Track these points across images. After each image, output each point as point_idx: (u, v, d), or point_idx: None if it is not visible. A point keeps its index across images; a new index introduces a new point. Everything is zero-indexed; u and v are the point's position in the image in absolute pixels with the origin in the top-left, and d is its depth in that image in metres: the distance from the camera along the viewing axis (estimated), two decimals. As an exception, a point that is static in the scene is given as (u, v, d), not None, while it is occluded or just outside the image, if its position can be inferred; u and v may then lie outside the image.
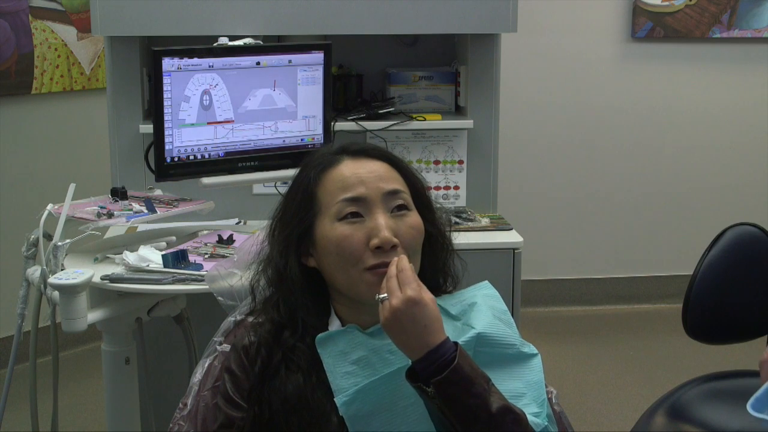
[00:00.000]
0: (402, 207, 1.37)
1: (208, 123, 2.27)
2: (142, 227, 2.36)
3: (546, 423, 1.33)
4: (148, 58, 2.52)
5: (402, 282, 1.25)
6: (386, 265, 1.30)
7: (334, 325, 1.39)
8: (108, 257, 2.16)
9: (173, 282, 2.01)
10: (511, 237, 2.57)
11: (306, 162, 1.44)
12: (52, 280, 1.93)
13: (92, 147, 3.62)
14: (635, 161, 4.30)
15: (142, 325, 2.26)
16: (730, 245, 2.21)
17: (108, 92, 2.68)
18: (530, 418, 1.30)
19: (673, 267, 4.34)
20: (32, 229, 2.12)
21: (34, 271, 2.07)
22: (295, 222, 1.39)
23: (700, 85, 4.27)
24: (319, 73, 2.39)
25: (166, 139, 2.21)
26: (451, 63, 2.94)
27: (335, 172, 1.38)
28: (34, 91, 3.57)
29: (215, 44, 2.31)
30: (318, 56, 2.38)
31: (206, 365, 1.45)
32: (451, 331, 1.32)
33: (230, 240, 2.26)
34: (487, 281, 1.50)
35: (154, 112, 2.20)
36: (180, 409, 1.44)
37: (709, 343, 2.32)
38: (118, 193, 2.28)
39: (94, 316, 2.02)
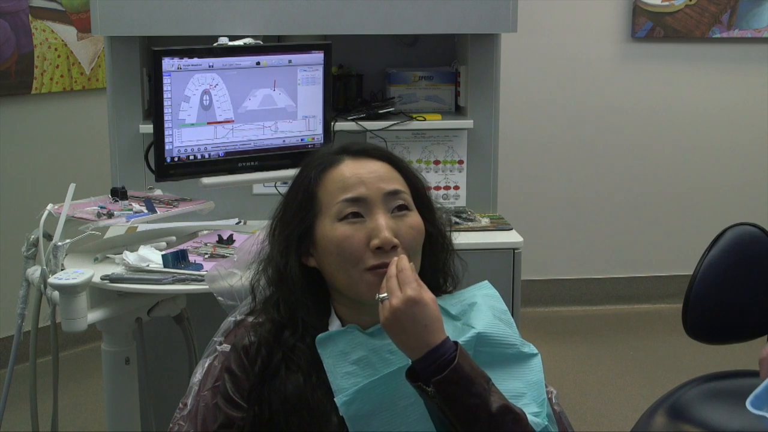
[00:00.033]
0: (402, 207, 1.37)
1: (208, 123, 2.27)
2: (142, 227, 2.36)
3: (546, 423, 1.33)
4: (148, 58, 2.52)
5: (402, 282, 1.25)
6: (386, 265, 1.29)
7: (335, 325, 1.39)
8: (108, 257, 2.16)
9: (173, 282, 2.01)
10: (511, 237, 2.57)
11: (306, 162, 1.44)
12: (52, 280, 1.93)
13: (92, 147, 3.62)
14: (635, 161, 4.30)
15: (142, 325, 2.26)
16: (730, 245, 2.21)
17: (108, 92, 2.68)
18: (530, 417, 1.30)
19: (673, 267, 4.34)
20: (32, 229, 2.12)
21: (34, 271, 2.07)
22: (295, 222, 1.39)
23: (700, 85, 4.27)
24: (319, 73, 2.39)
25: (166, 139, 2.21)
26: (451, 63, 2.94)
27: (336, 172, 1.38)
28: (34, 91, 3.57)
29: (215, 44, 2.31)
30: (318, 56, 2.38)
31: (206, 365, 1.45)
32: (451, 331, 1.32)
33: (230, 240, 2.26)
34: (486, 281, 1.50)
35: (154, 112, 2.20)
36: (180, 409, 1.44)
37: (709, 343, 2.32)
38: (118, 193, 2.28)
39: (94, 316, 2.02)
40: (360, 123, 2.72)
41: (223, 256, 2.13)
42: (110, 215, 2.17)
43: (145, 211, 2.23)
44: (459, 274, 1.48)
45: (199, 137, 2.26)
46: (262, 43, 2.38)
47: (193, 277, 2.01)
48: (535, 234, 3.72)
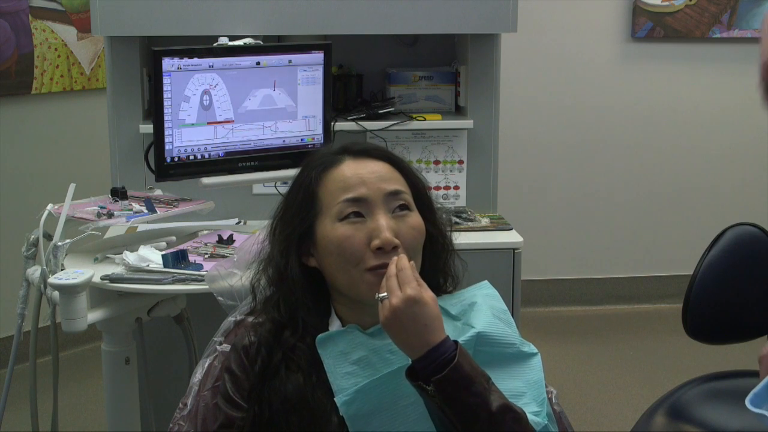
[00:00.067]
0: (403, 207, 1.37)
1: (208, 123, 2.27)
2: (142, 227, 2.36)
3: (546, 422, 1.33)
4: (148, 58, 2.52)
5: (402, 281, 1.25)
6: (387, 266, 1.29)
7: (335, 325, 1.39)
8: (108, 257, 2.16)
9: (173, 282, 2.01)
10: (511, 237, 2.57)
11: (307, 161, 1.44)
12: (52, 280, 1.93)
13: (92, 147, 3.62)
14: (635, 161, 4.30)
15: (142, 325, 2.26)
16: (730, 245, 2.21)
17: (108, 92, 2.68)
18: (530, 417, 1.30)
19: (673, 267, 4.34)
20: (32, 229, 2.12)
21: (34, 271, 2.07)
22: (296, 222, 1.39)
23: (700, 85, 4.26)
24: (319, 73, 2.39)
25: (166, 139, 2.21)
26: (451, 63, 2.94)
27: (337, 172, 1.38)
28: (34, 91, 3.57)
29: (215, 44, 2.31)
30: (318, 56, 2.38)
31: (206, 365, 1.45)
32: (451, 330, 1.32)
33: (230, 240, 2.26)
34: (486, 281, 1.50)
35: (154, 112, 2.20)
36: (180, 409, 1.44)
37: (709, 343, 2.32)
38: (118, 193, 2.28)
39: (94, 316, 2.02)
40: (360, 123, 2.72)
41: (223, 256, 2.13)
42: (110, 215, 2.17)
43: (145, 211, 2.23)
44: (459, 275, 1.48)
45: (199, 137, 2.26)
46: (262, 43, 2.38)
47: (193, 277, 2.01)
48: (535, 234, 3.72)
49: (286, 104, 2.37)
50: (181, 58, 2.18)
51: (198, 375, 1.45)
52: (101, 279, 2.01)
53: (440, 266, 1.45)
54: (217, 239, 2.27)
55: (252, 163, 2.35)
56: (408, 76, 2.88)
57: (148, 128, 2.47)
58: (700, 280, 2.18)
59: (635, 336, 4.04)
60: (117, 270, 2.07)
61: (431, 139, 2.82)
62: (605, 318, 4.26)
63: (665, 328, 4.01)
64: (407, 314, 1.23)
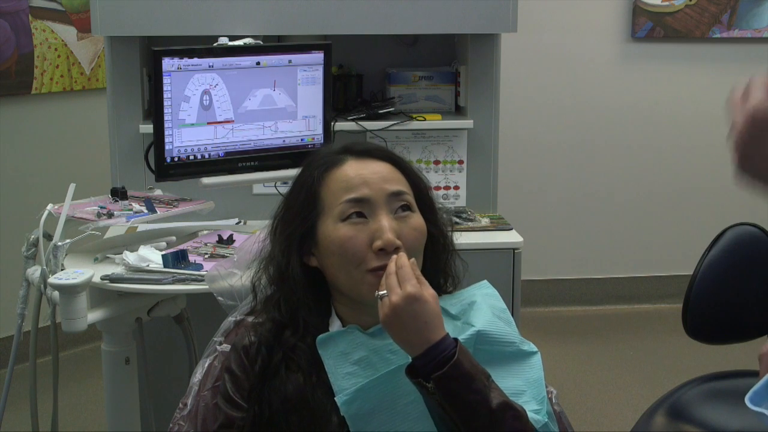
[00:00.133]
0: (405, 208, 1.36)
1: (208, 123, 2.27)
2: (142, 227, 2.36)
3: (546, 420, 1.33)
4: (148, 58, 2.52)
5: (402, 279, 1.25)
6: (388, 267, 1.30)
7: (335, 325, 1.38)
8: (108, 257, 2.16)
9: (173, 282, 2.01)
10: (511, 237, 2.57)
11: (309, 161, 1.44)
12: (52, 280, 1.93)
13: (92, 147, 3.62)
14: (635, 161, 4.30)
15: (142, 325, 2.26)
16: (730, 245, 2.21)
17: (108, 92, 2.68)
18: (530, 414, 1.30)
19: (673, 267, 4.34)
20: (32, 229, 2.12)
21: (34, 271, 2.07)
22: (297, 221, 1.39)
23: (700, 85, 4.26)
24: (319, 73, 2.39)
25: (166, 139, 2.21)
26: (451, 63, 2.94)
27: (339, 173, 1.38)
28: (34, 91, 3.57)
29: (215, 44, 2.31)
30: (318, 56, 2.38)
31: (206, 365, 1.45)
32: (451, 330, 1.32)
33: (230, 240, 2.26)
34: (485, 281, 1.50)
35: (154, 112, 2.20)
36: (180, 409, 1.44)
37: (709, 343, 2.32)
38: (118, 193, 2.28)
39: (94, 316, 2.02)
40: (360, 123, 2.72)
41: (223, 256, 2.13)
42: (110, 215, 2.17)
43: (145, 211, 2.23)
44: (460, 275, 1.48)
45: (199, 137, 2.26)
46: (262, 43, 2.38)
47: (193, 277, 2.01)
48: (535, 234, 3.72)
49: (286, 104, 2.37)
50: (181, 58, 2.18)
51: (198, 375, 1.45)
52: (101, 279, 2.01)
53: (441, 266, 1.45)
54: (217, 239, 2.27)
55: (252, 163, 2.35)
56: (408, 76, 2.88)
57: (148, 128, 2.47)
58: (700, 280, 2.18)
59: (635, 336, 4.04)
60: (117, 270, 2.07)
61: (431, 139, 2.82)
62: (605, 318, 4.26)
63: (665, 328, 4.01)
64: (407, 312, 1.23)
